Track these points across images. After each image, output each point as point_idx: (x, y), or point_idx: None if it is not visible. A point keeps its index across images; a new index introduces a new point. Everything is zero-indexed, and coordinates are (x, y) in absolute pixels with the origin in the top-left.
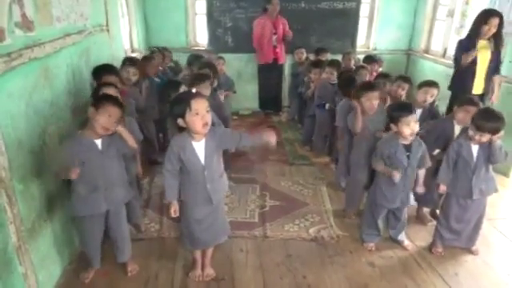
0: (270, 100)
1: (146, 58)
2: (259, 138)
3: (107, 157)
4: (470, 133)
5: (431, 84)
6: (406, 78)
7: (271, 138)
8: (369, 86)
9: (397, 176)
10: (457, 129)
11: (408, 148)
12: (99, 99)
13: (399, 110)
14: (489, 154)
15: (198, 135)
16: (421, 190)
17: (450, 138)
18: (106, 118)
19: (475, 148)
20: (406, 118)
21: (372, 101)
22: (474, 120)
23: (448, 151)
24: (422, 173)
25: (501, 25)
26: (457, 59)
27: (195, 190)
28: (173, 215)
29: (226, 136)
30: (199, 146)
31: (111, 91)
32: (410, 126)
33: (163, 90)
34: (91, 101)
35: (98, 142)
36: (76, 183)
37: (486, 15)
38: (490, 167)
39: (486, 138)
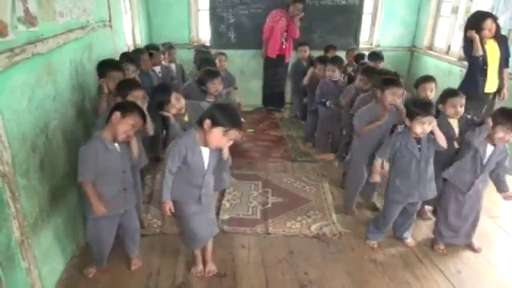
0: (273, 96)
1: (136, 52)
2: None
3: (125, 159)
4: (498, 134)
5: (426, 79)
6: (378, 55)
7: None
8: (396, 82)
9: (380, 169)
10: (454, 125)
11: (418, 141)
12: (127, 107)
13: (418, 107)
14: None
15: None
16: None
17: (452, 136)
18: (129, 127)
19: (490, 149)
20: (422, 118)
21: (395, 96)
22: (499, 118)
23: (469, 152)
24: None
25: (496, 22)
26: (468, 54)
27: (188, 191)
28: (168, 213)
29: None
30: (205, 152)
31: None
32: (424, 127)
33: (153, 96)
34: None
35: (116, 145)
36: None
37: (479, 21)
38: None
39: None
